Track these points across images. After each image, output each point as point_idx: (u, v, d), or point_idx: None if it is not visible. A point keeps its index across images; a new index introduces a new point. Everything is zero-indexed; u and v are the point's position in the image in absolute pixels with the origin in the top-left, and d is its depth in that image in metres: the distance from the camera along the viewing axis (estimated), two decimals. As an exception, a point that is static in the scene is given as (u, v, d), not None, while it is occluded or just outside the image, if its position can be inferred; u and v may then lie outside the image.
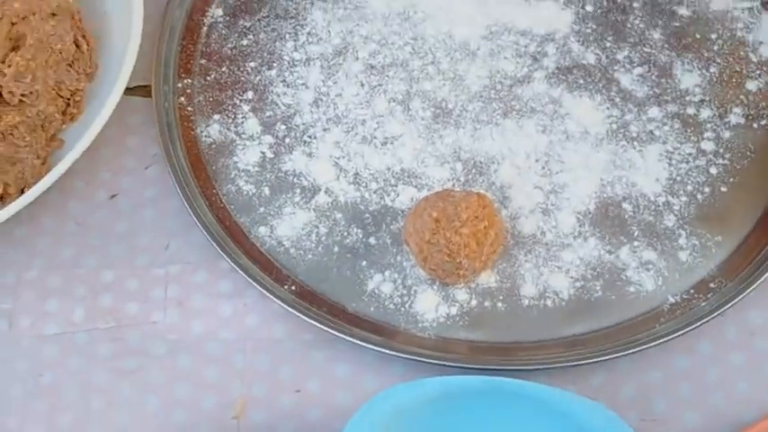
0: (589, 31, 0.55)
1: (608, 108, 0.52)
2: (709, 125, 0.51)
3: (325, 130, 0.53)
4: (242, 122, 0.53)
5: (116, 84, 0.49)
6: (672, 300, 0.45)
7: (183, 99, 0.54)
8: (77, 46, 0.53)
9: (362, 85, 0.54)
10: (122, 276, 0.48)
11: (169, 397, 0.45)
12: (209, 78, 0.55)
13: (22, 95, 0.50)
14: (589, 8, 0.56)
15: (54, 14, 0.52)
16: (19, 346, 0.46)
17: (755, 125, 0.51)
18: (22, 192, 0.49)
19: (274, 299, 0.46)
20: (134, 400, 0.45)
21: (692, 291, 0.45)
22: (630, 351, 0.42)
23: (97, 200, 0.51)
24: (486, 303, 0.46)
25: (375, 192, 0.50)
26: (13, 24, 0.51)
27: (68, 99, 0.52)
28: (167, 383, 0.45)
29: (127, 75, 0.49)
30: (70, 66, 0.52)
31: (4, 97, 0.50)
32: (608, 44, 0.55)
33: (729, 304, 0.43)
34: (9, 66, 0.49)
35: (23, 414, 0.45)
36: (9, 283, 0.48)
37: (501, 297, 0.46)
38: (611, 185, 0.50)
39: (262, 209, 0.50)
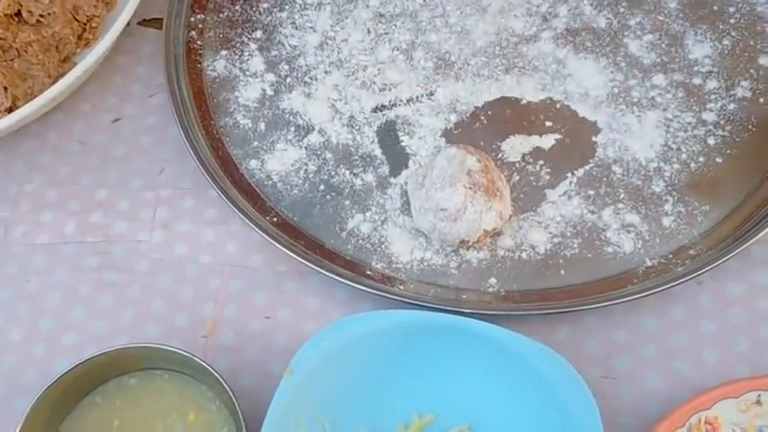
0: (604, -6, 0.55)
1: (612, 72, 0.52)
2: (713, 96, 0.50)
3: (326, 72, 0.53)
4: (247, 60, 0.54)
5: (125, 9, 0.50)
6: (649, 263, 0.45)
7: (193, 33, 0.55)
8: (97, -27, 0.55)
9: (369, 32, 0.55)
10: (115, 196, 0.50)
11: (145, 311, 0.46)
12: (221, 15, 0.56)
13: (40, 16, 0.52)
14: (607, -28, 0.55)
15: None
16: (11, 252, 0.49)
17: (762, 100, 0.50)
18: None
19: (255, 228, 0.47)
20: (112, 311, 0.46)
21: (670, 256, 0.44)
22: (597, 305, 0.42)
23: (101, 123, 0.53)
24: (461, 251, 0.46)
25: (367, 136, 0.51)
26: None
27: (84, 24, 0.54)
28: (145, 298, 0.47)
29: (134, 3, 0.51)
30: (86, -8, 0.54)
31: (23, 16, 0.52)
32: (621, 9, 0.54)
33: (704, 270, 0.42)
34: None
35: (7, 316, 0.47)
36: (9, 194, 0.51)
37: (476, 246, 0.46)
38: (603, 147, 0.49)
39: (255, 143, 0.51)
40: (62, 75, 0.53)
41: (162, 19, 0.55)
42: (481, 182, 0.43)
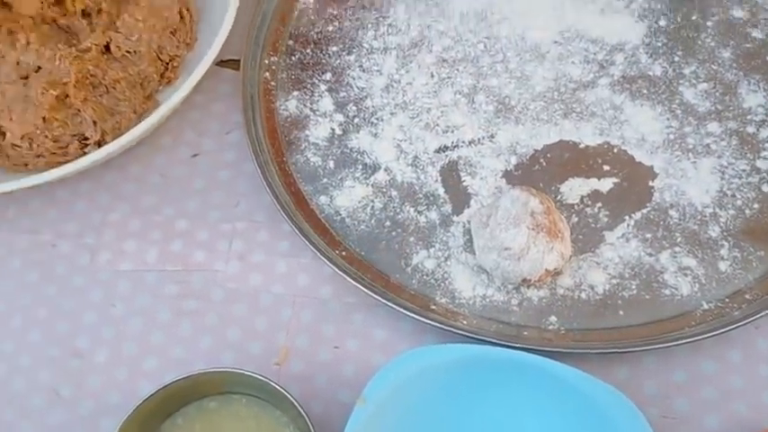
0: (659, 44, 0.57)
1: (668, 119, 0.54)
2: (767, 144, 0.52)
3: (392, 114, 0.56)
4: (318, 100, 0.57)
5: (208, 53, 0.54)
6: (705, 306, 0.46)
7: (267, 74, 0.59)
8: (181, 17, 0.58)
9: (432, 76, 0.57)
10: (194, 227, 0.53)
11: (221, 338, 0.49)
12: (293, 58, 0.60)
13: (127, 52, 0.56)
14: (662, 23, 0.58)
15: (164, -13, 0.58)
16: (97, 278, 0.52)
17: (816, 149, 0.52)
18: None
19: (325, 261, 0.49)
20: (190, 337, 0.49)
21: (726, 299, 0.46)
22: (657, 346, 0.44)
23: (180, 157, 0.56)
24: (522, 288, 0.48)
25: (431, 175, 0.54)
26: None
27: (167, 63, 0.57)
28: (221, 326, 0.50)
29: (219, 46, 0.54)
30: (173, 33, 0.58)
31: (111, 51, 0.56)
32: (676, 58, 0.56)
33: (760, 314, 0.44)
34: (122, 22, 0.55)
35: (93, 339, 0.50)
36: (94, 222, 0.54)
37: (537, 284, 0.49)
38: (660, 192, 0.51)
39: (325, 180, 0.54)
40: (146, 111, 0.56)
41: (237, 60, 0.59)
42: (544, 223, 0.46)
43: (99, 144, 0.54)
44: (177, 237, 0.53)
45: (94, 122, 0.53)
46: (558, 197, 0.51)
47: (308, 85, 0.58)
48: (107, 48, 0.56)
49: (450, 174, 0.53)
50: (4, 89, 0.53)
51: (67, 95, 0.53)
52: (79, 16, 0.57)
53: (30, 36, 0.54)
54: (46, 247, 0.53)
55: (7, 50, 0.54)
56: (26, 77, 0.53)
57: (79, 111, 0.53)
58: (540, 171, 0.53)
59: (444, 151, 0.54)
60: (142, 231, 0.53)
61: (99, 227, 0.54)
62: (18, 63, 0.54)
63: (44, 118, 0.52)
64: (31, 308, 0.51)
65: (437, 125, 0.55)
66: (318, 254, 0.50)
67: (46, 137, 0.53)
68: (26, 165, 0.54)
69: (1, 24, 0.55)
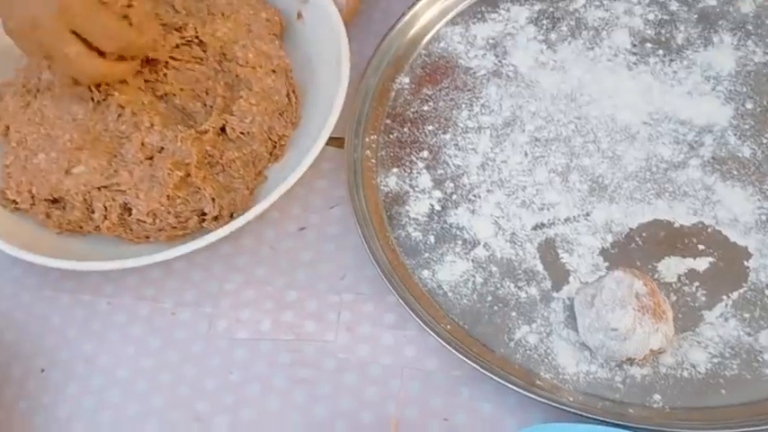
0: (747, 126, 0.59)
1: (759, 200, 0.56)
2: None
3: (488, 191, 0.59)
4: (416, 177, 0.61)
5: (320, 134, 0.57)
6: (808, 387, 0.48)
7: (368, 152, 0.62)
8: (288, 99, 0.63)
9: (526, 154, 0.60)
10: (304, 298, 0.56)
11: (335, 407, 0.52)
12: (391, 136, 0.63)
13: (241, 133, 0.60)
14: (749, 106, 0.60)
15: (274, 71, 0.62)
16: (215, 345, 0.55)
17: None
18: (231, 216, 0.58)
19: (432, 333, 0.52)
20: (305, 406, 0.52)
21: (829, 381, 0.47)
22: (761, 428, 0.45)
23: (288, 230, 0.60)
24: (625, 366, 0.50)
25: (529, 252, 0.56)
26: (236, 76, 0.62)
27: (275, 142, 0.62)
28: (334, 395, 0.52)
29: (330, 128, 0.58)
30: (281, 114, 0.62)
31: (226, 133, 0.60)
32: (764, 140, 0.58)
33: None
34: (237, 106, 0.60)
35: (214, 403, 0.53)
36: (212, 291, 0.58)
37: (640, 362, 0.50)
38: (755, 272, 0.53)
39: (426, 254, 0.57)
40: (256, 186, 0.60)
41: (338, 138, 0.62)
42: (649, 305, 0.48)
43: (216, 219, 0.58)
44: (288, 307, 0.56)
45: (213, 199, 0.57)
46: (656, 276, 0.53)
47: (407, 163, 0.62)
48: (222, 129, 0.60)
49: (548, 250, 0.56)
50: (132, 169, 0.57)
51: (189, 174, 0.57)
52: (194, 100, 0.61)
53: (154, 118, 0.59)
54: (166, 315, 0.57)
55: (132, 132, 0.59)
56: (151, 158, 0.58)
57: (199, 188, 0.57)
58: (636, 249, 0.55)
59: (541, 228, 0.57)
60: (256, 301, 0.57)
61: (216, 296, 0.57)
62: (143, 144, 0.58)
63: (168, 196, 0.57)
64: (154, 373, 0.55)
65: (533, 203, 0.58)
66: (425, 326, 0.52)
67: (169, 213, 0.57)
68: (147, 237, 0.58)
69: (124, 106, 0.60)
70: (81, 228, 0.59)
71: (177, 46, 0.62)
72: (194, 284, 0.58)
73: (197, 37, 0.62)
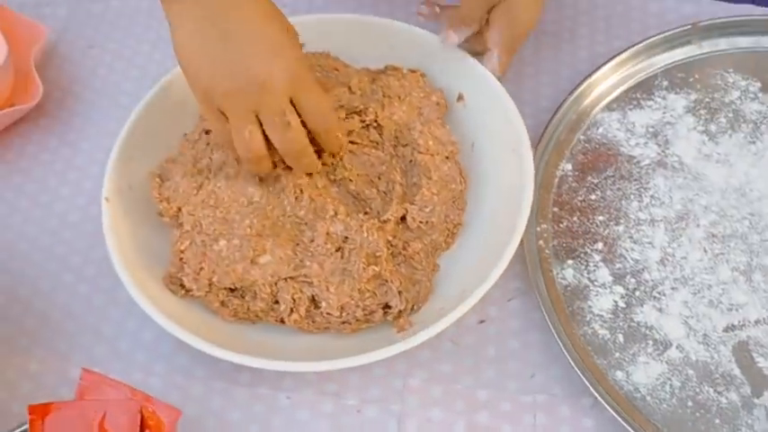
0: None
1: None
2: None
3: (673, 288, 0.59)
4: (593, 270, 0.60)
5: (512, 236, 0.56)
6: None
7: (541, 242, 0.61)
8: (459, 184, 0.61)
9: (705, 251, 0.60)
10: (496, 398, 0.55)
11: None
12: (561, 226, 0.62)
13: (421, 222, 0.59)
14: None
15: (447, 157, 0.61)
16: (409, 446, 0.53)
17: None
18: (413, 308, 0.57)
19: (640, 442, 0.51)
20: None
21: None
22: None
23: (468, 324, 0.59)
24: None
25: (723, 354, 0.56)
26: (410, 161, 0.60)
27: (450, 230, 0.60)
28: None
29: (523, 225, 0.57)
30: (454, 202, 0.61)
31: (406, 222, 0.59)
32: None
33: None
34: (420, 196, 0.58)
35: None
36: (397, 388, 0.56)
37: None
38: None
39: (617, 354, 0.56)
40: (433, 277, 0.59)
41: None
42: None
43: (400, 312, 0.56)
44: (481, 407, 0.55)
45: (400, 292, 0.56)
46: None
47: (582, 255, 0.61)
48: (402, 218, 0.59)
49: (743, 354, 0.56)
50: (321, 261, 0.55)
51: (379, 267, 0.56)
52: (370, 186, 0.60)
53: (338, 207, 0.57)
54: (352, 413, 0.55)
55: (313, 219, 0.57)
56: (339, 249, 0.56)
57: (386, 281, 0.56)
58: (834, 356, 0.55)
59: (732, 330, 0.57)
60: (445, 400, 0.55)
61: (401, 393, 0.56)
62: (328, 233, 0.56)
63: (359, 289, 0.55)
64: (347, 476, 0.53)
65: (720, 302, 0.58)
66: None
67: (358, 306, 0.55)
68: (327, 328, 0.56)
69: (303, 190, 0.58)
70: (258, 317, 0.57)
71: (354, 129, 0.61)
72: (377, 380, 0.56)
73: (375, 120, 0.61)
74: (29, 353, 0.58)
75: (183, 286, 0.57)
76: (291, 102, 0.53)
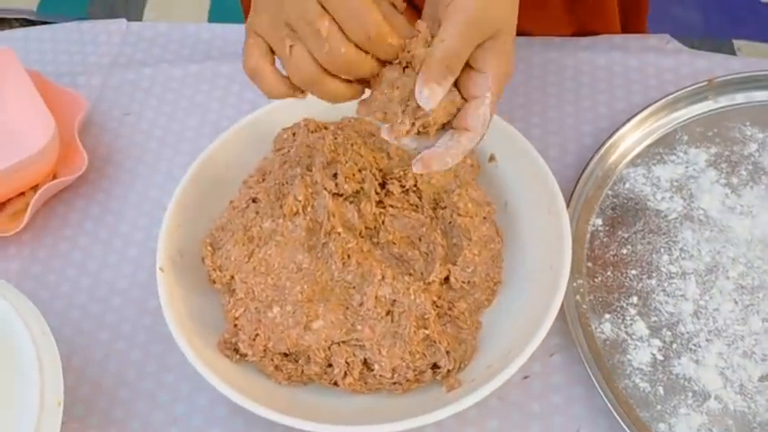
0: None
1: None
2: None
3: (708, 340, 0.61)
4: (630, 324, 0.62)
5: (553, 301, 0.58)
6: None
7: (578, 297, 0.64)
8: (497, 244, 0.64)
9: (736, 302, 0.63)
10: (546, 454, 0.57)
11: None
12: (596, 280, 0.65)
13: (464, 282, 0.61)
14: None
15: (485, 218, 0.64)
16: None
17: None
18: (459, 367, 0.59)
19: (691, 495, 0.53)
20: None
21: None
22: None
23: (512, 379, 0.60)
24: None
25: (761, 405, 0.58)
26: (449, 223, 0.63)
27: (492, 288, 0.62)
28: None
29: (564, 285, 0.59)
30: (493, 260, 0.63)
31: (449, 283, 0.61)
32: None
33: None
34: (462, 257, 0.61)
35: None
36: (448, 447, 0.58)
37: None
38: None
39: (659, 406, 0.58)
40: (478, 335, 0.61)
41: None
42: None
43: (449, 372, 0.58)
44: (533, 464, 0.57)
45: (448, 353, 0.58)
46: None
47: (618, 309, 0.63)
48: (446, 279, 0.61)
49: (780, 404, 0.58)
50: (372, 324, 0.57)
51: (428, 329, 0.58)
52: (413, 248, 0.62)
53: (385, 271, 0.59)
54: (407, 473, 0.57)
55: (361, 283, 0.59)
56: (388, 312, 0.58)
57: (435, 342, 0.58)
58: None
59: (767, 380, 0.59)
60: (497, 457, 0.57)
61: (453, 452, 0.57)
62: (376, 297, 0.58)
63: (410, 352, 0.57)
64: None
65: (754, 353, 0.60)
66: (680, 487, 0.53)
67: (408, 368, 0.57)
68: (378, 389, 0.58)
69: (350, 255, 0.60)
70: (311, 379, 0.58)
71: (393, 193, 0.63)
72: (427, 439, 0.58)
73: (415, 185, 0.63)
74: (85, 422, 0.60)
75: (237, 351, 0.58)
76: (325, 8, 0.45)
